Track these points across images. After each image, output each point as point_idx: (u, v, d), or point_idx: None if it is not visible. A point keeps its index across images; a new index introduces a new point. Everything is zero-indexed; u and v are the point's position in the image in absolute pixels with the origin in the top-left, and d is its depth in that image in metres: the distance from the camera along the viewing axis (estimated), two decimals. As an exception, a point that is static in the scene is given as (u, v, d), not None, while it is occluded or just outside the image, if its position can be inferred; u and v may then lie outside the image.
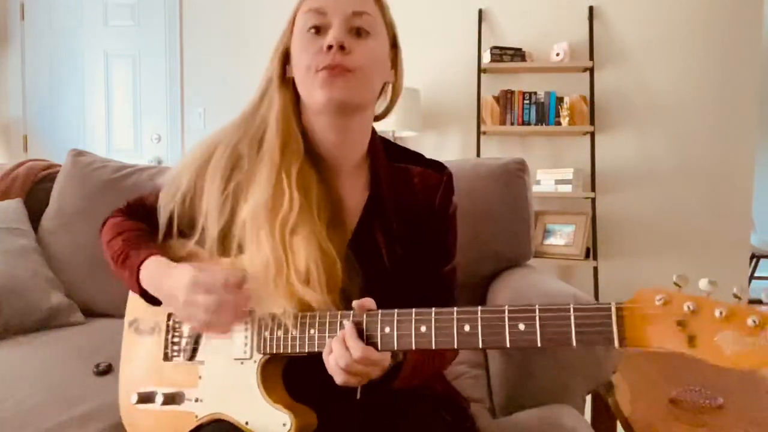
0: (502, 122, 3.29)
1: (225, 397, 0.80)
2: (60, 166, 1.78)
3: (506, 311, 0.63)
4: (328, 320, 0.73)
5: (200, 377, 0.82)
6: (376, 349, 0.69)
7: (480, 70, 3.32)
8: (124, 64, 3.80)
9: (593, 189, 3.23)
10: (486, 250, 1.46)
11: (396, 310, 0.69)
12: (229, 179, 0.81)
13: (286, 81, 0.84)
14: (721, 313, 0.53)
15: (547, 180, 3.23)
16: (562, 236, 3.20)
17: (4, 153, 3.87)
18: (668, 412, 1.06)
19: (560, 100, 3.25)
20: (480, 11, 3.38)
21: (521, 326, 0.62)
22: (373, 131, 0.90)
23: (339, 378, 0.70)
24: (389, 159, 0.90)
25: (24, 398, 1.03)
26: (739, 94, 3.24)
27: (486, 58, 3.29)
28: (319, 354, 0.73)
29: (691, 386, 1.15)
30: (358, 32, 0.78)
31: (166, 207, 0.86)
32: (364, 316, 0.71)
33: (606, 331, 0.58)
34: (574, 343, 0.59)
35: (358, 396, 0.73)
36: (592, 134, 3.26)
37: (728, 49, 3.24)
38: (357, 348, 0.68)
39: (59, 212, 1.67)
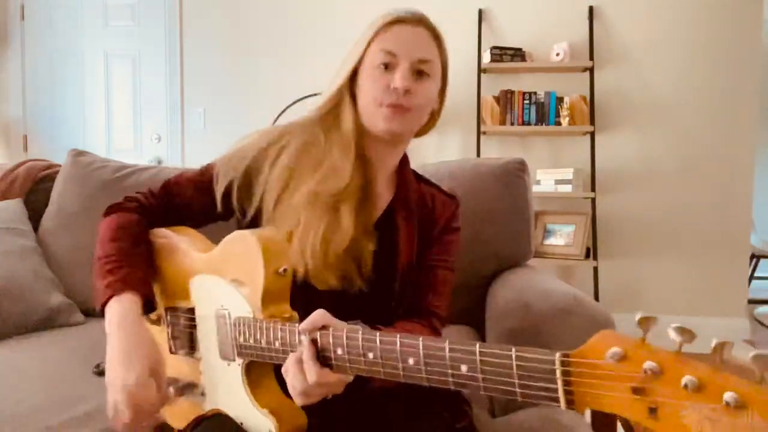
0: (502, 122, 3.29)
1: (222, 394, 0.81)
2: (60, 166, 1.78)
3: (447, 349, 0.56)
4: (288, 333, 0.70)
5: (201, 372, 0.84)
6: (332, 369, 0.67)
7: (480, 70, 3.32)
8: (124, 64, 3.80)
9: (593, 189, 3.23)
10: (486, 250, 1.46)
11: (345, 330, 0.66)
12: (297, 163, 0.90)
13: (352, 95, 0.94)
14: (687, 385, 0.39)
15: (547, 180, 3.22)
16: (562, 236, 3.20)
17: (4, 153, 3.87)
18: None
19: (560, 100, 3.25)
20: (480, 11, 3.38)
21: (463, 368, 0.55)
22: (404, 153, 1.03)
23: (298, 400, 0.69)
24: (414, 177, 1.04)
25: (24, 398, 1.03)
26: (739, 94, 3.24)
27: (486, 58, 3.29)
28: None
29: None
30: (420, 74, 0.90)
31: (226, 175, 0.91)
32: (318, 334, 0.68)
33: (550, 389, 0.48)
34: (519, 397, 0.50)
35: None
36: (592, 134, 3.26)
37: (728, 49, 3.24)
38: (312, 372, 0.66)
39: (59, 212, 1.67)
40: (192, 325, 0.85)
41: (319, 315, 0.69)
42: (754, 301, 3.75)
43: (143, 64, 3.78)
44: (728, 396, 0.37)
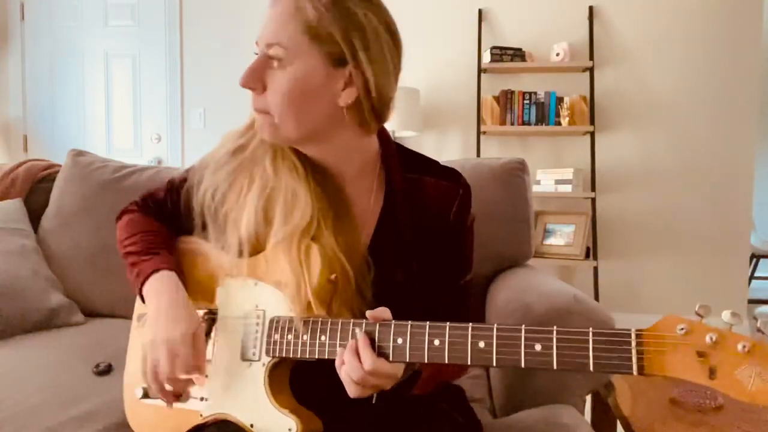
0: (502, 122, 3.29)
1: (231, 397, 0.79)
2: (60, 166, 1.78)
3: (523, 331, 0.62)
4: (339, 327, 0.72)
5: (206, 376, 0.81)
6: (388, 360, 0.68)
7: (480, 70, 3.32)
8: (124, 64, 3.80)
9: (593, 189, 3.23)
10: (486, 250, 1.45)
11: (410, 322, 0.68)
12: (265, 187, 0.80)
13: None
14: (744, 347, 0.51)
15: (547, 180, 3.23)
16: (562, 236, 3.20)
17: (4, 153, 3.88)
18: (668, 412, 1.06)
19: (560, 100, 3.26)
20: (480, 11, 3.38)
21: (537, 347, 0.61)
22: (386, 139, 0.86)
23: (352, 391, 0.69)
24: (404, 169, 0.86)
25: (24, 398, 1.03)
26: (739, 94, 3.24)
27: (486, 58, 3.29)
28: (329, 361, 0.72)
29: (691, 386, 1.15)
30: (274, 65, 0.73)
31: (205, 195, 0.84)
32: (377, 326, 0.69)
33: (625, 358, 0.56)
34: (591, 368, 0.58)
35: (374, 401, 0.73)
36: (592, 134, 3.26)
37: (728, 49, 3.24)
38: (368, 360, 0.66)
39: (59, 212, 1.67)
40: (209, 328, 0.84)
41: (383, 309, 0.70)
42: (754, 301, 3.75)
43: (143, 64, 3.78)
44: None
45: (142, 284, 0.82)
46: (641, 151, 3.32)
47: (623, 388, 1.18)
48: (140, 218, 0.92)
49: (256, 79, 0.74)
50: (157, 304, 0.80)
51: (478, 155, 3.31)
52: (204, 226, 0.85)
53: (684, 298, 3.28)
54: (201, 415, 0.80)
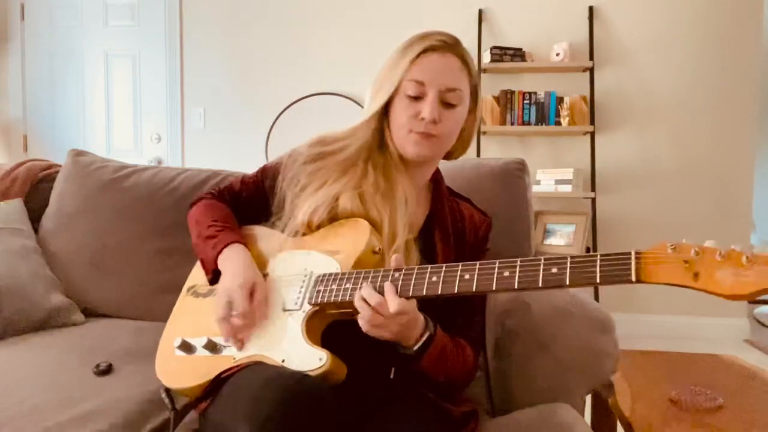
0: (502, 122, 3.30)
1: (266, 342, 0.87)
2: (60, 166, 1.78)
3: (542, 260, 0.74)
4: (381, 273, 0.82)
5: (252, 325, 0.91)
6: (419, 300, 0.80)
7: (480, 70, 3.32)
8: (124, 64, 3.80)
9: (593, 189, 3.24)
10: (486, 250, 1.46)
11: (444, 264, 0.80)
12: (336, 182, 0.98)
13: (387, 119, 1.00)
14: (720, 254, 0.62)
15: (547, 180, 3.23)
16: (562, 236, 3.21)
17: (4, 153, 3.88)
18: (668, 412, 1.07)
19: (560, 100, 3.26)
20: (480, 11, 3.38)
21: (554, 269, 0.72)
22: (437, 169, 1.08)
23: (359, 306, 0.80)
24: (448, 191, 1.09)
25: (24, 398, 1.03)
26: (739, 94, 3.24)
27: (486, 58, 3.29)
28: (356, 329, 0.81)
29: (691, 386, 1.15)
30: (448, 102, 0.94)
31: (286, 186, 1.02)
32: (415, 269, 0.81)
33: (625, 270, 0.66)
34: (598, 281, 0.68)
35: (392, 376, 0.85)
36: (592, 134, 3.26)
37: (728, 49, 3.24)
38: (374, 291, 0.79)
39: (59, 212, 1.67)
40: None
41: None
42: (754, 301, 3.75)
43: (143, 64, 3.78)
44: (744, 259, 0.61)
45: (219, 253, 0.96)
46: (641, 151, 3.33)
47: (623, 388, 1.19)
48: (217, 204, 1.07)
49: (440, 115, 0.94)
50: (228, 266, 0.94)
51: (478, 155, 3.31)
52: (280, 203, 1.03)
53: (684, 298, 3.28)
54: (234, 359, 0.88)
